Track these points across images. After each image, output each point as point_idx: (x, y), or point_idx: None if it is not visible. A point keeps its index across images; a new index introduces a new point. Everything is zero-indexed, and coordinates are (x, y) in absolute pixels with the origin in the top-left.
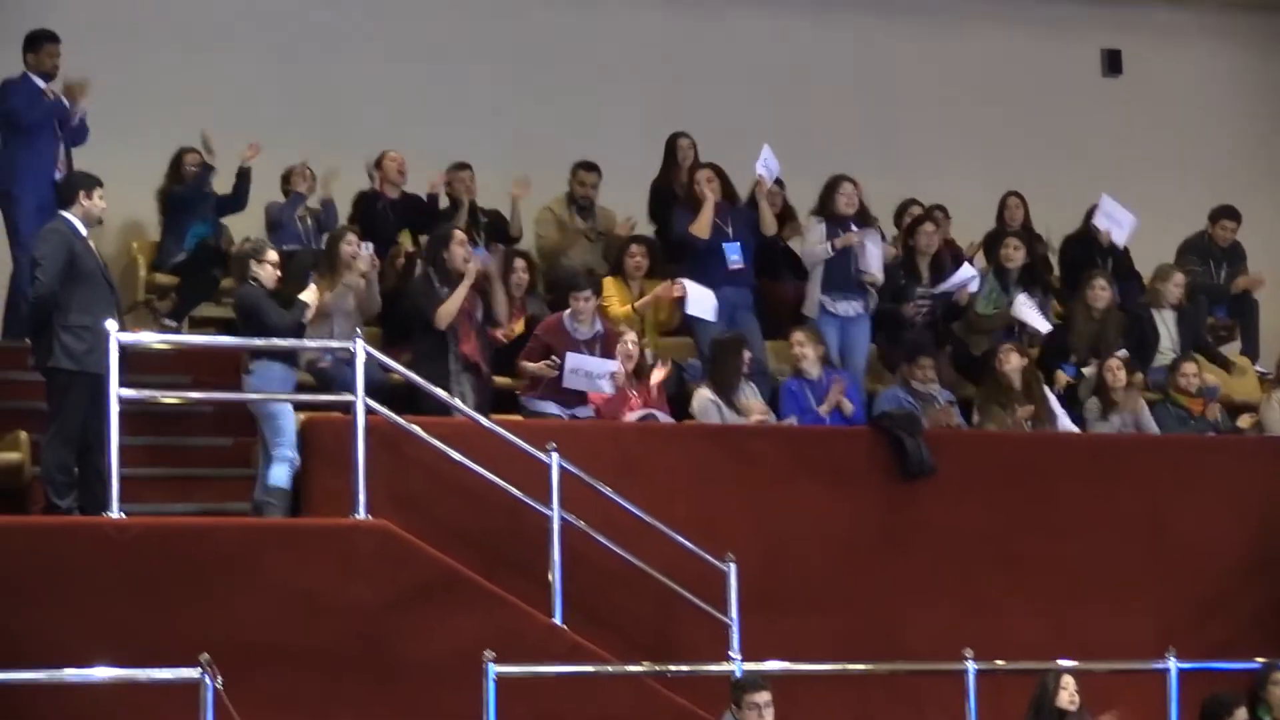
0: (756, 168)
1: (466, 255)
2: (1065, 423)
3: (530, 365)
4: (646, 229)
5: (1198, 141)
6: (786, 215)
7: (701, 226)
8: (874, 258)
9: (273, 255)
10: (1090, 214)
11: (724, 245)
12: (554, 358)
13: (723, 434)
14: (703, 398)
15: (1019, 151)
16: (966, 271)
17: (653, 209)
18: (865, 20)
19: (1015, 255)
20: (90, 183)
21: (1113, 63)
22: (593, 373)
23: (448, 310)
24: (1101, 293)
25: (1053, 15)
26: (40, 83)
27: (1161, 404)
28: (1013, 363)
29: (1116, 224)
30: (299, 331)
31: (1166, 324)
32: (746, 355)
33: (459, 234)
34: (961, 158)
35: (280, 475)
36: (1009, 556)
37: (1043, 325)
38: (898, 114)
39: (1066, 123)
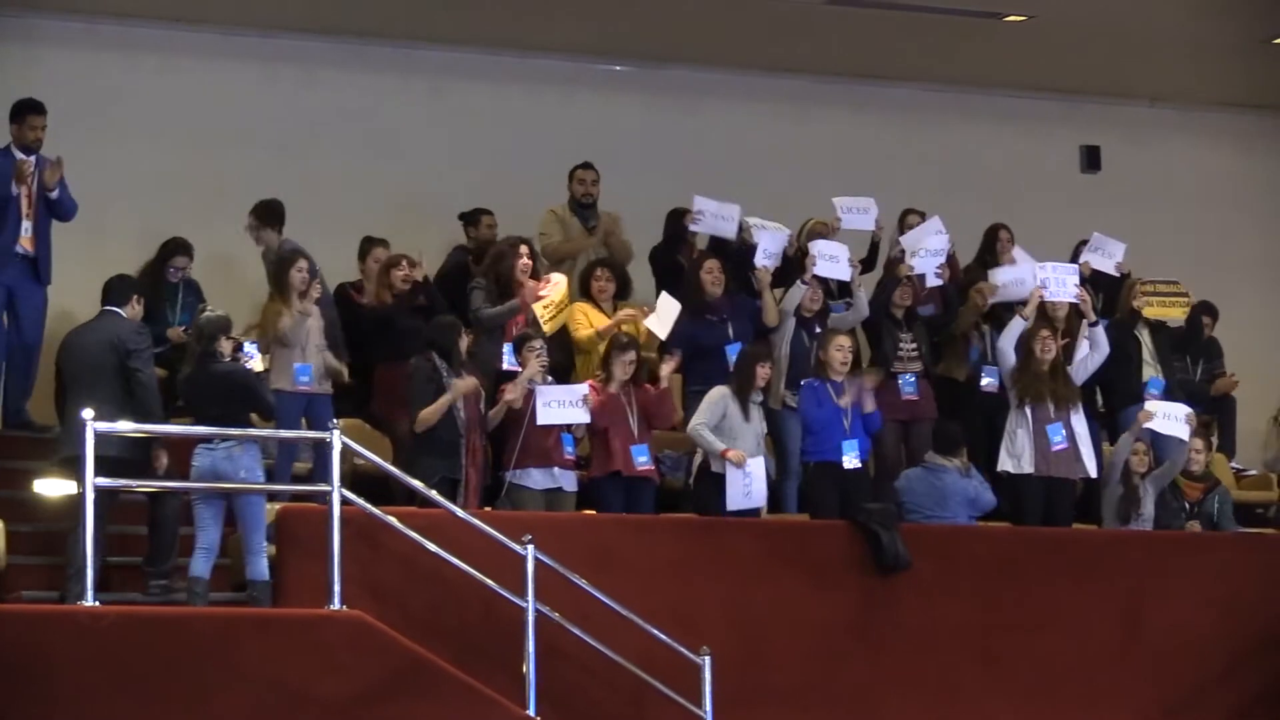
0: (758, 260)
1: (468, 346)
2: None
3: (494, 411)
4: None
5: (1176, 238)
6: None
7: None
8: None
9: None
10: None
11: (726, 347)
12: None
13: (700, 527)
14: (720, 392)
15: None
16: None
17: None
18: (844, 114)
19: (983, 302)
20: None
21: (1092, 159)
22: (564, 401)
23: (426, 418)
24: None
25: (1032, 111)
26: (19, 155)
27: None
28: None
29: (1107, 255)
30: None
31: (1144, 338)
32: (766, 369)
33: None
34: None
35: (264, 567)
36: (986, 651)
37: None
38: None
39: (1045, 218)
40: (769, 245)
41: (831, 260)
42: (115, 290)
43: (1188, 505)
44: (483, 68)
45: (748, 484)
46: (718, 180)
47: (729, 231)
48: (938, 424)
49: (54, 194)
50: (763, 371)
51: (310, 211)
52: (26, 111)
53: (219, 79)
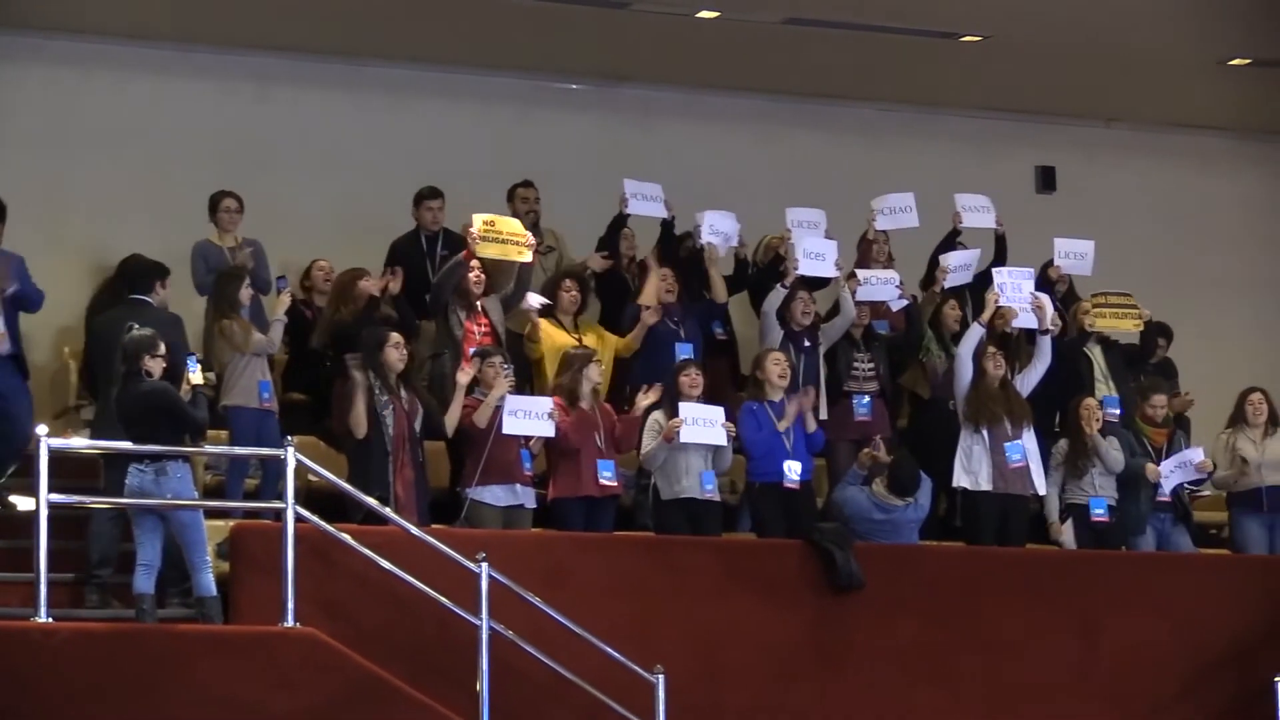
0: (704, 236)
1: (401, 357)
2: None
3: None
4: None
5: (1130, 258)
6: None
7: (647, 296)
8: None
9: (163, 349)
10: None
11: (676, 345)
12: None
13: (655, 545)
14: (653, 416)
15: None
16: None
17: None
18: (799, 134)
19: (957, 314)
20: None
21: (1046, 179)
22: (530, 412)
23: (358, 419)
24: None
25: (987, 131)
26: None
27: (1123, 430)
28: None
29: (1078, 257)
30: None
31: (1095, 356)
32: (690, 376)
33: (394, 335)
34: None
35: (210, 583)
36: (940, 670)
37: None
38: (832, 229)
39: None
40: (715, 223)
41: (816, 259)
42: (137, 277)
43: (1151, 451)
44: (438, 85)
45: (698, 420)
46: (673, 200)
47: (660, 211)
48: (898, 462)
49: (9, 291)
50: (687, 380)
51: (264, 227)
52: None
53: (174, 95)
